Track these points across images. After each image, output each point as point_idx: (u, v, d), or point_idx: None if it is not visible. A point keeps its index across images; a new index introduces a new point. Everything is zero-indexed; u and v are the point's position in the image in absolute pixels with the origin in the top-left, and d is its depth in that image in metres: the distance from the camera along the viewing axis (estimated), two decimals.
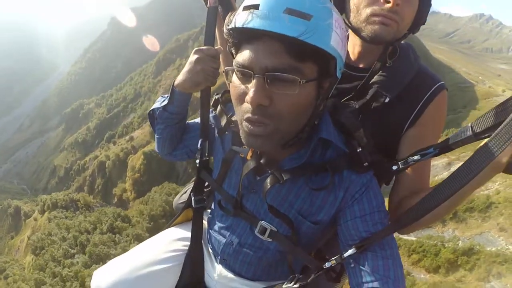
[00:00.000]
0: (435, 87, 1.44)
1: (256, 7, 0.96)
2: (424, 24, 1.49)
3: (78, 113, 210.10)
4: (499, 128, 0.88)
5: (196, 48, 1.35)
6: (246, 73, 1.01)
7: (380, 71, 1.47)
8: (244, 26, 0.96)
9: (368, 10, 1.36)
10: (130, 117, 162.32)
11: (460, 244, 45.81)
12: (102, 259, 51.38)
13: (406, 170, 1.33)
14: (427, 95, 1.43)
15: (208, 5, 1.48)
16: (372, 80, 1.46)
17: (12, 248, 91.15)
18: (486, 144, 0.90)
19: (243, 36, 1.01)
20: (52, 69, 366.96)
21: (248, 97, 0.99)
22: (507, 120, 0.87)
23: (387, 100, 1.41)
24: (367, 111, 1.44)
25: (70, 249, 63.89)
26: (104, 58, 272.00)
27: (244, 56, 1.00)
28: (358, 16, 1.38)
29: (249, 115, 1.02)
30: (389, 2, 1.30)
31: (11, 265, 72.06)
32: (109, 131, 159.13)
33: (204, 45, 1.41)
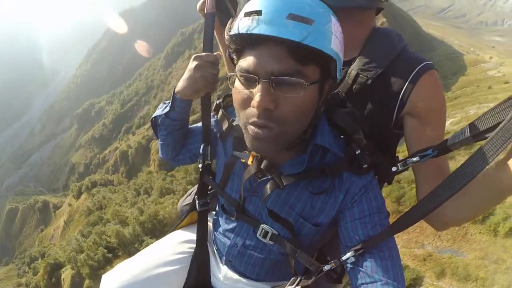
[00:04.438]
0: (418, 67, 1.34)
1: (258, 13, 0.97)
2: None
3: (90, 113, 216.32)
4: (495, 131, 0.87)
5: (195, 55, 1.36)
6: (250, 78, 1.01)
7: (359, 56, 1.43)
8: (249, 32, 0.97)
9: None
10: (145, 109, 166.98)
11: None
12: (172, 191, 56.09)
13: (426, 166, 1.33)
14: (410, 76, 1.34)
15: (205, 11, 1.47)
16: (352, 66, 1.43)
17: (44, 239, 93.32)
18: (481, 147, 0.89)
19: (246, 42, 1.02)
20: (54, 74, 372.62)
21: (254, 102, 1.00)
22: (504, 122, 0.85)
23: (369, 82, 1.37)
24: (351, 96, 1.41)
25: (137, 195, 66.47)
26: (109, 58, 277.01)
27: (248, 61, 1.01)
28: None
29: (255, 119, 1.03)
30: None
31: (50, 248, 73.51)
32: (126, 124, 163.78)
33: (203, 51, 1.41)
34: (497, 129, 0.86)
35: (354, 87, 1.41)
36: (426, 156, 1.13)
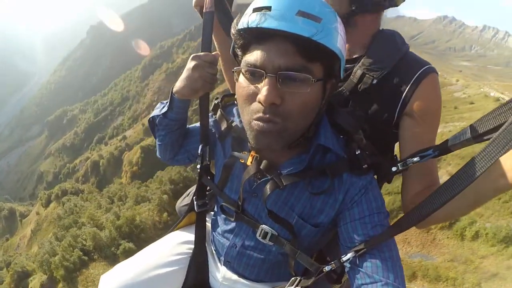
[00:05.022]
0: (421, 70, 1.38)
1: (268, 8, 0.98)
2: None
3: (62, 120, 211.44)
4: (498, 133, 0.87)
5: (194, 55, 1.33)
6: (257, 73, 1.01)
7: (365, 56, 1.44)
8: (259, 26, 0.97)
9: None
10: (119, 120, 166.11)
11: None
12: (148, 199, 55.14)
13: (416, 165, 1.29)
14: (413, 78, 1.37)
15: (204, 10, 1.44)
16: (358, 65, 1.44)
17: (9, 248, 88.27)
18: (484, 149, 0.89)
19: (254, 37, 1.02)
20: (27, 79, 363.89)
21: (260, 96, 0.99)
22: (506, 124, 0.86)
23: (374, 81, 1.39)
24: (356, 95, 1.42)
25: (111, 203, 63.97)
26: (84, 66, 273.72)
27: (255, 56, 1.01)
28: None
29: (260, 114, 1.03)
30: None
31: (15, 258, 68.51)
32: (99, 134, 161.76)
33: (202, 51, 1.38)
34: (500, 131, 0.87)
35: (359, 86, 1.42)
36: (427, 156, 1.14)
